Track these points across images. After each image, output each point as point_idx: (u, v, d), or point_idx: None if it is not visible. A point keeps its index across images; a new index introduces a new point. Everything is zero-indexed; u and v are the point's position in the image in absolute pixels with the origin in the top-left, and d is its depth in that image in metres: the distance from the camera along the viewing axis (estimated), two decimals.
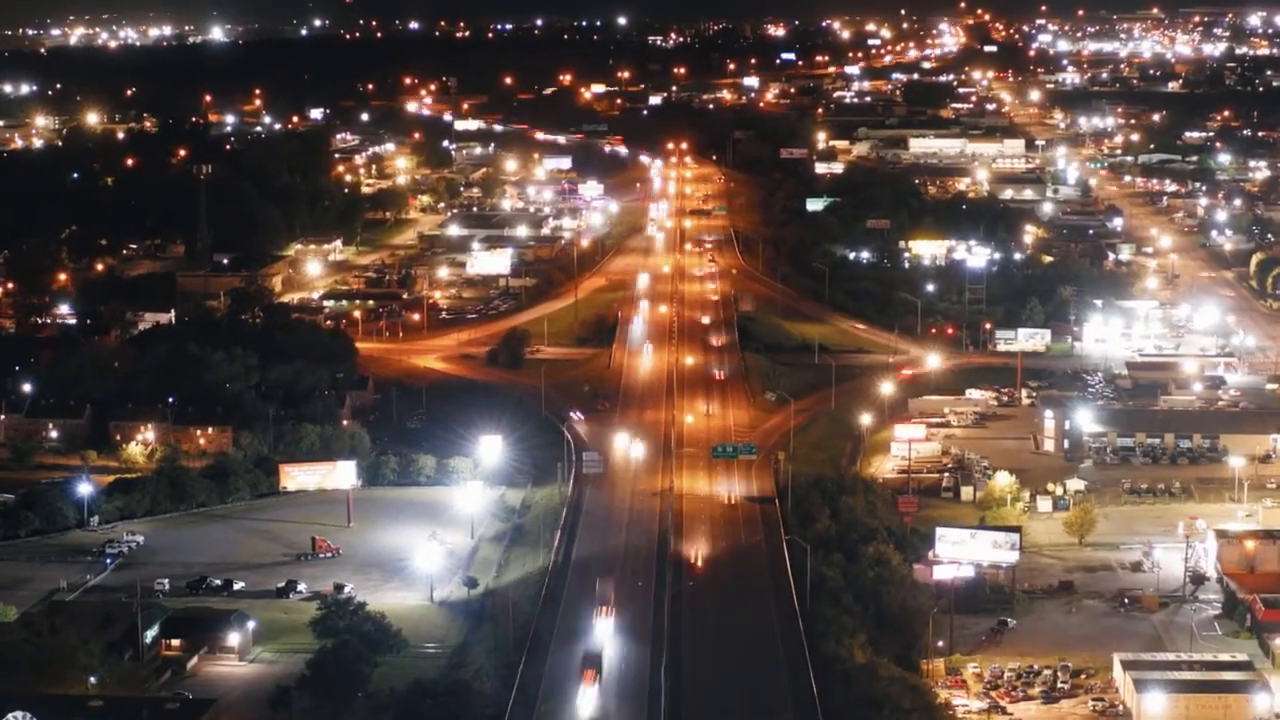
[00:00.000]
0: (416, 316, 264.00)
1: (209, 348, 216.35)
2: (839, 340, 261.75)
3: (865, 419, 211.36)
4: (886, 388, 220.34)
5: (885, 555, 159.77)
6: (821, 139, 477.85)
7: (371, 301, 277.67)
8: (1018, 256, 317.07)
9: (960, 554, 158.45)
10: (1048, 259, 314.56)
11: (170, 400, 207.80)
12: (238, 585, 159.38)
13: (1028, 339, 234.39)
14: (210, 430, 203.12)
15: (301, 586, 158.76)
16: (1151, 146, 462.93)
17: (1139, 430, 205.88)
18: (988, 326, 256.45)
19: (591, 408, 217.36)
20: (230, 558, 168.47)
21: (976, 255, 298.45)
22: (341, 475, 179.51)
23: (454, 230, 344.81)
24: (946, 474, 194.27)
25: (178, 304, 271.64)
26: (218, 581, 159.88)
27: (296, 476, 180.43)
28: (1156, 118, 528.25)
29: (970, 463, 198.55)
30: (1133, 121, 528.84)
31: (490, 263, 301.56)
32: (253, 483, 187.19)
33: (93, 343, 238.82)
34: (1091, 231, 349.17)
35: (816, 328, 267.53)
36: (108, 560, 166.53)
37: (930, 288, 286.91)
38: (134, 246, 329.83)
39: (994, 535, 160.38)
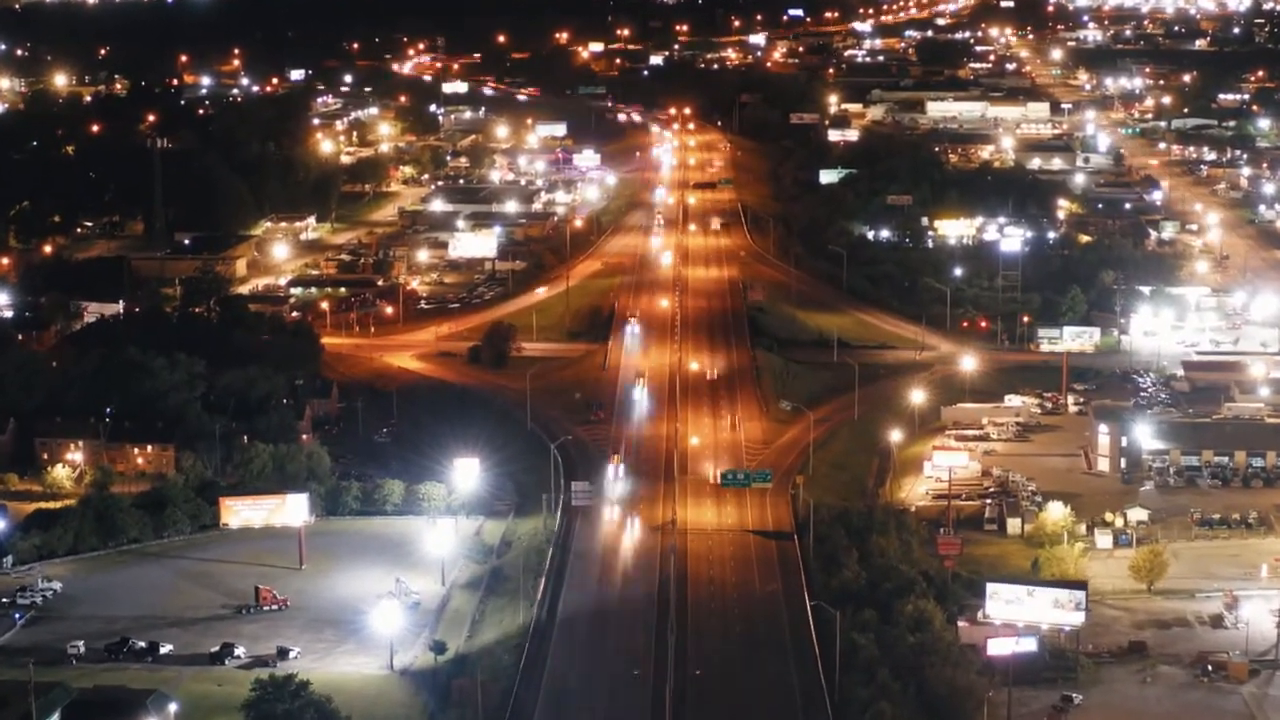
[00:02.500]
0: (390, 310, 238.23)
1: (151, 350, 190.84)
2: (859, 333, 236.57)
3: (894, 435, 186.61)
4: (917, 396, 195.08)
5: (926, 614, 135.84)
6: (833, 102, 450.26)
7: (343, 289, 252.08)
8: (1051, 235, 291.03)
9: (1015, 614, 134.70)
10: (1085, 238, 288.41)
11: (108, 412, 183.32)
12: (165, 648, 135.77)
13: (1074, 338, 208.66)
14: (149, 449, 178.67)
15: (239, 650, 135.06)
16: (1185, 110, 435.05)
17: (1205, 446, 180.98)
18: (1025, 320, 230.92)
19: (584, 418, 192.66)
20: (161, 610, 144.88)
21: (1010, 237, 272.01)
22: (292, 510, 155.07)
23: (437, 205, 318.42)
24: (989, 501, 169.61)
25: (130, 292, 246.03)
26: (142, 644, 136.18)
27: (240, 512, 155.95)
28: (1187, 78, 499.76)
29: (1015, 486, 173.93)
30: (1161, 83, 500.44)
31: (475, 244, 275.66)
32: (193, 513, 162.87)
33: (25, 341, 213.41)
34: (1129, 206, 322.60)
35: (834, 318, 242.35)
36: (17, 616, 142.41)
37: (958, 271, 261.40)
38: (89, 224, 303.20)
39: (1055, 593, 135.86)
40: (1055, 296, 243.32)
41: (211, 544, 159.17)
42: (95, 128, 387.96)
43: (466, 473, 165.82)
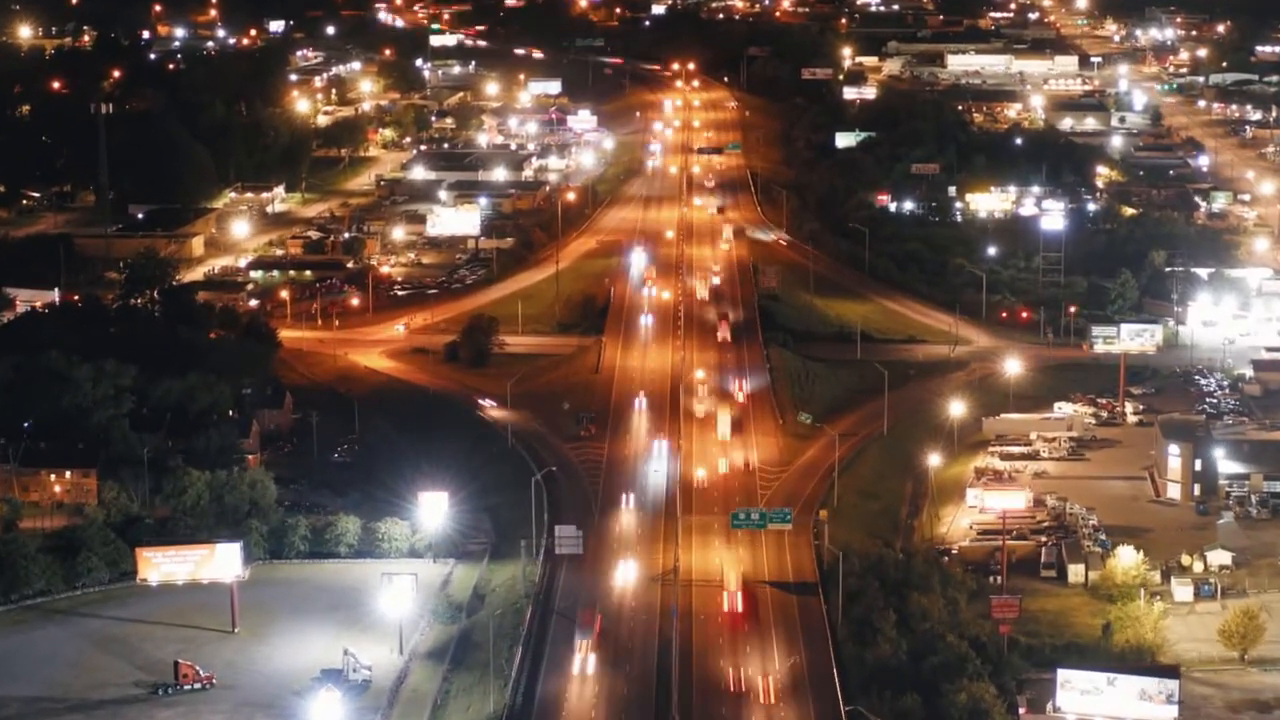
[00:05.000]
0: (355, 302, 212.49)
1: (77, 356, 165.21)
2: (884, 324, 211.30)
3: (930, 453, 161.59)
4: (956, 408, 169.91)
5: (982, 703, 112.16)
6: (847, 55, 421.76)
7: (309, 272, 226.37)
8: (1091, 207, 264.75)
9: (1093, 708, 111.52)
10: (1129, 211, 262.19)
11: (25, 429, 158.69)
12: None
13: (1133, 337, 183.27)
14: (68, 475, 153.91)
15: None
16: (1224, 65, 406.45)
17: None
18: (1072, 310, 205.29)
19: (572, 433, 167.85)
20: (63, 687, 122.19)
21: (1050, 212, 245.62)
22: (222, 562, 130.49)
23: (418, 173, 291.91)
24: (1044, 540, 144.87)
25: (69, 277, 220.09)
26: None
27: (160, 565, 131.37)
28: (1221, 29, 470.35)
29: (1074, 520, 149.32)
30: (1194, 33, 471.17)
31: (457, 221, 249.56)
32: (112, 559, 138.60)
33: None
34: (1172, 173, 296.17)
35: (855, 306, 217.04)
36: None
37: (991, 250, 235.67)
38: (35, 195, 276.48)
39: (1142, 682, 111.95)
40: (1102, 281, 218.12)
41: (132, 598, 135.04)
42: (56, 85, 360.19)
43: (433, 509, 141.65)
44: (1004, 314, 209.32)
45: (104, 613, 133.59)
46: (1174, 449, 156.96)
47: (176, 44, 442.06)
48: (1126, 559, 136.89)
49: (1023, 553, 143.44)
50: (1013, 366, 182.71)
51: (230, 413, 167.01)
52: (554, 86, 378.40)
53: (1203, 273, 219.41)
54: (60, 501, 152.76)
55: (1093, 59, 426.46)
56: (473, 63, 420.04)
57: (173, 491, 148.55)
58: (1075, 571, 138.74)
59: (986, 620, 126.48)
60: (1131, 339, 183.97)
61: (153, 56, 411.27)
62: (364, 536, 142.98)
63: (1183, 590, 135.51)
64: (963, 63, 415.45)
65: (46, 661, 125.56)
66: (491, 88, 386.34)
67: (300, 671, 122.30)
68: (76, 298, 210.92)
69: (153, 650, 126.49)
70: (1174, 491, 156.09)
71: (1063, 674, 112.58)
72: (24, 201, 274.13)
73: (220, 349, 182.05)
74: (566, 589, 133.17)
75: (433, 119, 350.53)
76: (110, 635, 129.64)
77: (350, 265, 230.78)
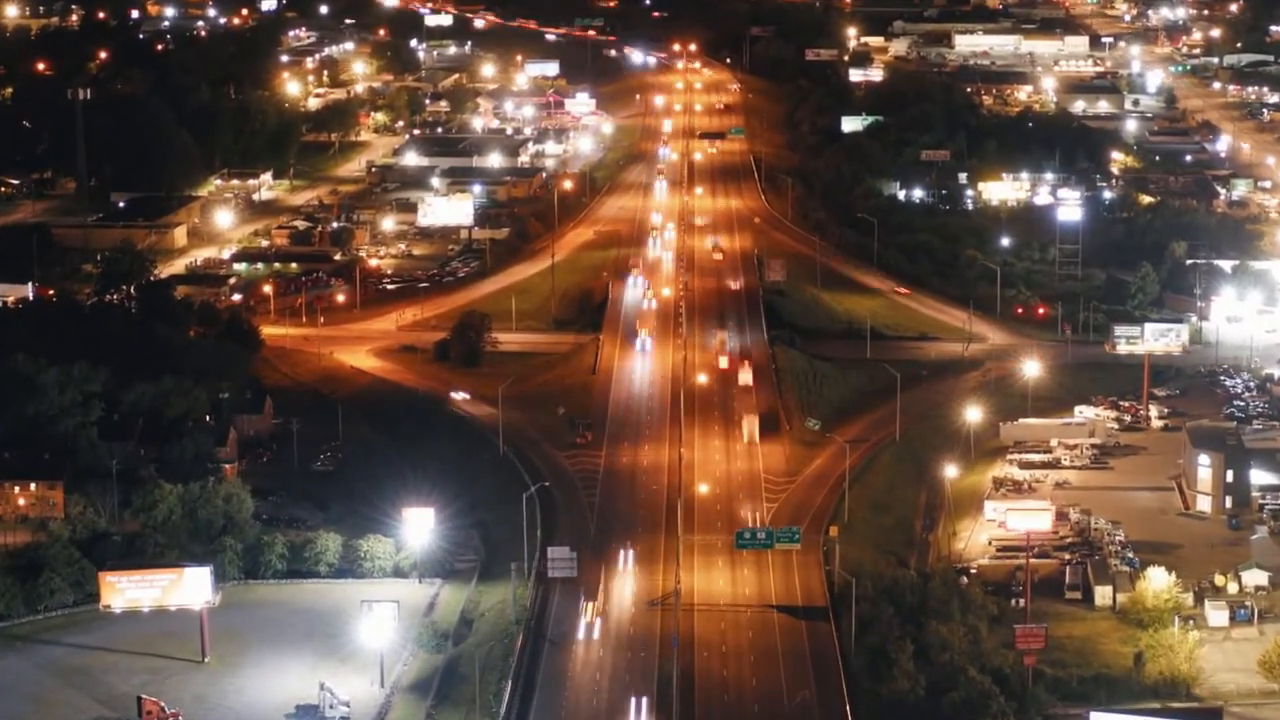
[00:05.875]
0: (341, 299, 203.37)
1: (45, 359, 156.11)
2: (893, 319, 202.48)
3: (945, 461, 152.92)
4: (972, 414, 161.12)
5: None
6: (852, 35, 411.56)
7: (294, 265, 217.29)
8: (1107, 195, 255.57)
9: None
10: (1146, 199, 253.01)
11: None
12: None
13: (1158, 337, 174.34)
14: (33, 487, 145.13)
15: None
16: (1238, 45, 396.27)
17: None
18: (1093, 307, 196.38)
19: (568, 440, 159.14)
20: None
21: (1067, 203, 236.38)
22: (191, 588, 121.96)
23: (411, 159, 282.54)
24: (1068, 558, 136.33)
25: (44, 270, 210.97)
26: None
27: (124, 590, 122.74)
28: (1234, 8, 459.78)
29: (1100, 535, 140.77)
30: (1206, 13, 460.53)
31: (449, 210, 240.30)
32: (76, 580, 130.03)
33: None
34: (1189, 158, 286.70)
35: (864, 300, 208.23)
36: None
37: (1004, 241, 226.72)
38: (14, 183, 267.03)
39: None
40: (1121, 274, 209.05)
41: (96, 623, 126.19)
42: (41, 66, 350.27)
43: (419, 526, 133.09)
44: (1019, 309, 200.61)
45: (66, 639, 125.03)
46: (1204, 458, 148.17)
47: (166, 24, 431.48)
48: (1158, 581, 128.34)
49: (1045, 572, 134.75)
50: (1031, 368, 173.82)
51: (207, 418, 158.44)
52: (551, 68, 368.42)
53: (1226, 265, 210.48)
54: (25, 516, 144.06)
55: (1104, 39, 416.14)
56: (469, 43, 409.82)
57: (143, 505, 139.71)
58: (1102, 593, 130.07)
59: (1009, 649, 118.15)
60: (1156, 339, 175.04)
61: (141, 37, 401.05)
62: (345, 555, 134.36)
63: (1217, 615, 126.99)
64: (971, 43, 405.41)
65: (3, 694, 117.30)
66: (488, 69, 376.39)
67: (273, 707, 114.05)
68: (51, 292, 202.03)
69: (116, 682, 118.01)
70: (1204, 504, 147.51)
71: (1096, 717, 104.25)
72: (2, 189, 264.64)
73: (198, 349, 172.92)
74: (560, 617, 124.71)
75: (427, 102, 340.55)
76: (72, 665, 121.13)
77: (338, 258, 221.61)
